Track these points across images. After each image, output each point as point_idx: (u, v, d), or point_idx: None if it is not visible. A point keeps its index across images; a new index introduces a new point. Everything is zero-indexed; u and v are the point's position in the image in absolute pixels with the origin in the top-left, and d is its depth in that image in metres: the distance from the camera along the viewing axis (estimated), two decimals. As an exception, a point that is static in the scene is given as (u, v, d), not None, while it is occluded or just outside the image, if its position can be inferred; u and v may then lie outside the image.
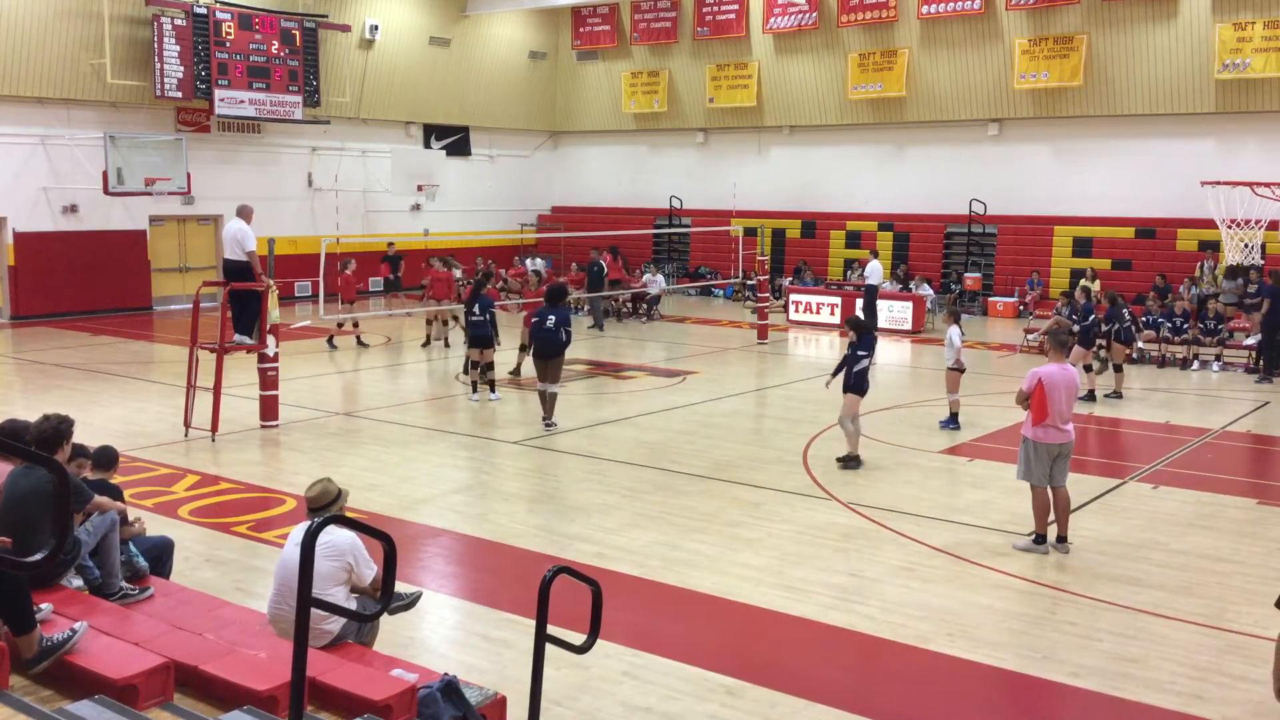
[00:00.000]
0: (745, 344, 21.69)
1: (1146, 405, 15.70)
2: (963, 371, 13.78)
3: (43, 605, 5.52)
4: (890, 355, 20.96)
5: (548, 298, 13.99)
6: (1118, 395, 16.02)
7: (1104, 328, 16.51)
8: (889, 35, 27.97)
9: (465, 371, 16.32)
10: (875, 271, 23.38)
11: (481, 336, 15.40)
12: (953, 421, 13.77)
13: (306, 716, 4.35)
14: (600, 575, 6.35)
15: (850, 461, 11.88)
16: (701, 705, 6.38)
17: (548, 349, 13.61)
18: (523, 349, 16.44)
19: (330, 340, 20.73)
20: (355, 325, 21.35)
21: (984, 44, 26.76)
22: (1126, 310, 16.84)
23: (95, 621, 5.54)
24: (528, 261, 28.56)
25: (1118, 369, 16.38)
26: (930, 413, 14.62)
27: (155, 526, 8.26)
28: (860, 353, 11.89)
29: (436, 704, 4.96)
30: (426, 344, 20.56)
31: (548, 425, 13.61)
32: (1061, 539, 9.16)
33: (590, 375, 17.92)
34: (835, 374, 12.09)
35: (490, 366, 15.59)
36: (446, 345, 20.42)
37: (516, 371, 17.07)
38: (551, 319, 13.57)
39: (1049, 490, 9.11)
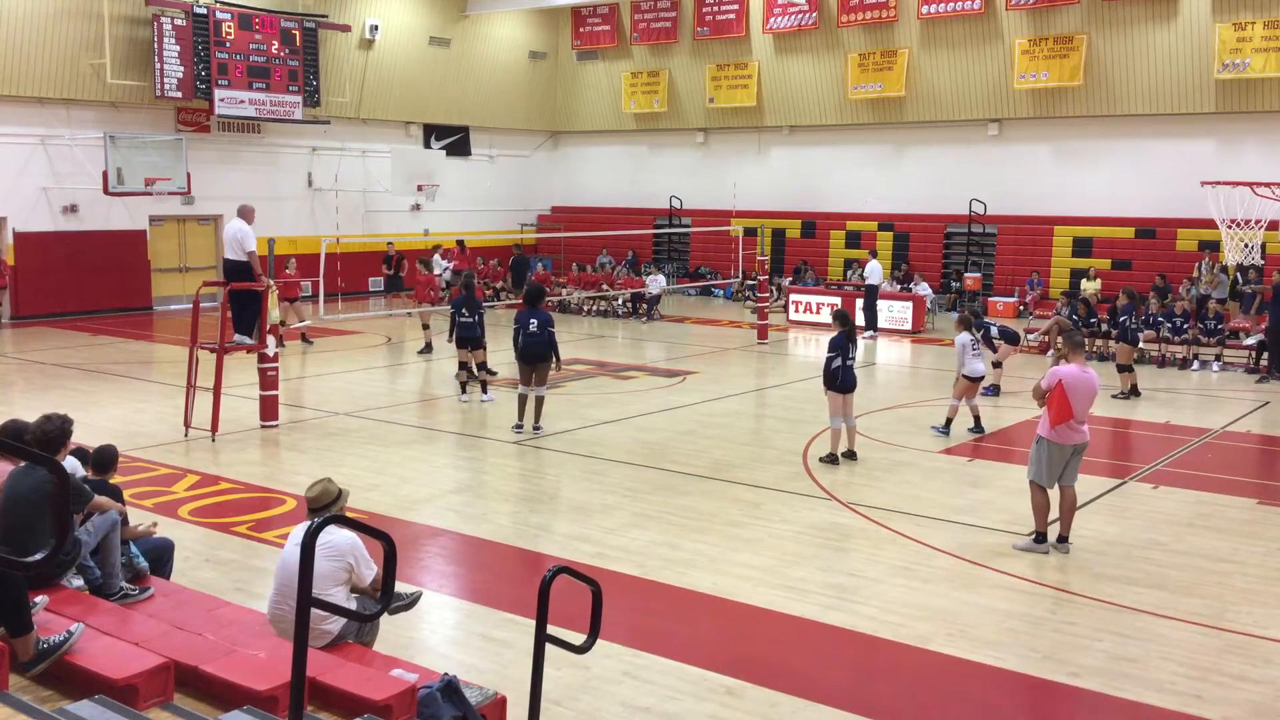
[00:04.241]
0: (745, 344, 21.69)
1: (1146, 405, 15.68)
2: (978, 380, 13.68)
3: (37, 599, 5.52)
4: (890, 355, 20.97)
5: (527, 299, 13.60)
6: (1125, 395, 16.01)
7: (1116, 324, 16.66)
8: (889, 35, 27.97)
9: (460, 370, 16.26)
10: (875, 271, 23.38)
11: (470, 338, 15.34)
12: (982, 426, 13.63)
13: (306, 716, 4.34)
14: (600, 575, 6.36)
15: (827, 459, 11.98)
16: (701, 705, 6.38)
17: (534, 352, 13.27)
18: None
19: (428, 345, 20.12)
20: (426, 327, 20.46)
21: (984, 44, 26.76)
22: (1140, 307, 16.91)
23: (95, 621, 5.54)
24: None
25: (1126, 369, 16.35)
26: (931, 413, 14.60)
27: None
28: (829, 353, 11.99)
29: (436, 704, 4.96)
30: (425, 350, 20.02)
31: (536, 429, 13.45)
32: (1063, 539, 9.15)
33: (590, 375, 17.92)
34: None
35: (481, 367, 15.54)
36: (428, 348, 19.93)
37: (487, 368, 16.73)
38: (534, 322, 13.27)
39: (1057, 489, 9.09)
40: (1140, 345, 18.60)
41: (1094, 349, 19.56)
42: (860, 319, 23.17)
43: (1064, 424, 8.90)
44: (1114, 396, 15.95)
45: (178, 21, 24.65)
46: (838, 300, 24.26)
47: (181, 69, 24.77)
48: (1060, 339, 9.50)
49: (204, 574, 8.39)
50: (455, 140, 32.24)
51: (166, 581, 6.89)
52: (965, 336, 13.70)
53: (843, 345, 11.96)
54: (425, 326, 20.39)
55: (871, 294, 23.23)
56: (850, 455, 12.11)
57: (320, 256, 17.71)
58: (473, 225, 31.61)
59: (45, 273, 24.18)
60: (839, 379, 11.94)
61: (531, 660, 5.00)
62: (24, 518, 5.61)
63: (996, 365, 16.17)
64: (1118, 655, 7.08)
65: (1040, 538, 9.12)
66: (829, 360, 11.98)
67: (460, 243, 26.13)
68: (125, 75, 24.35)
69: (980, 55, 26.86)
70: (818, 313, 24.61)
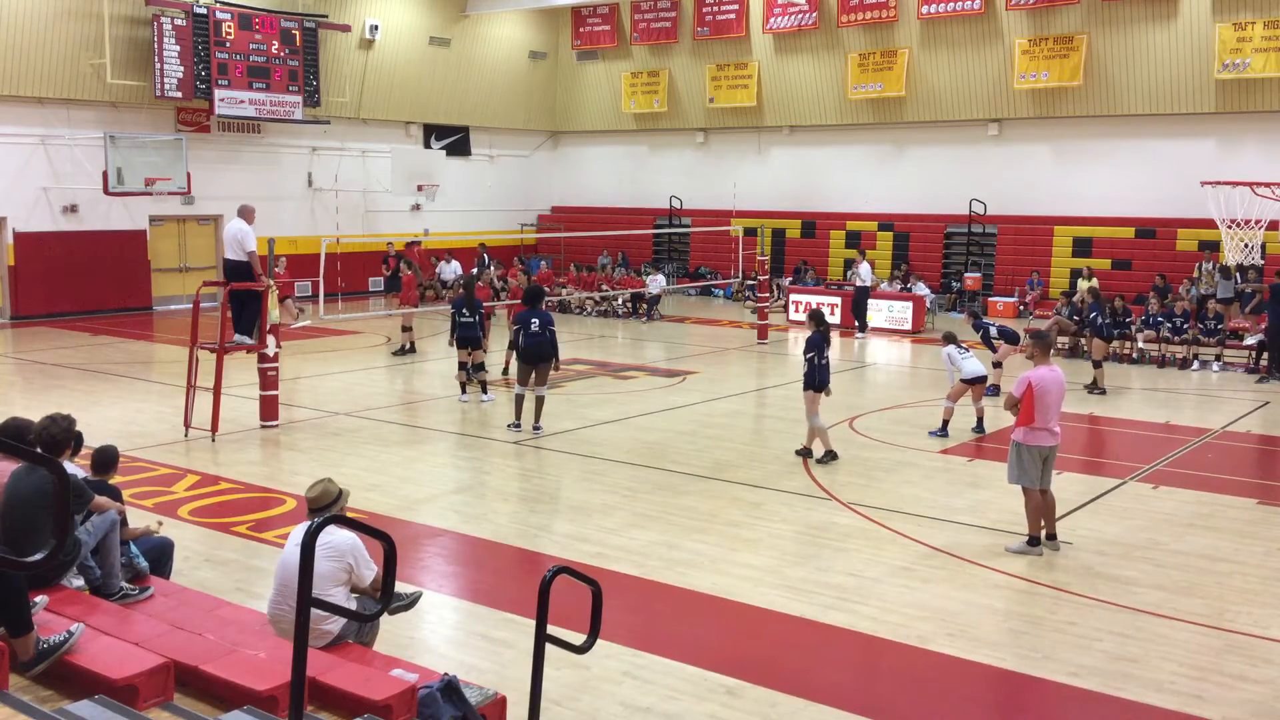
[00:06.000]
0: (745, 344, 21.69)
1: (1146, 405, 15.69)
2: (981, 381, 13.76)
3: (37, 599, 5.51)
4: (890, 355, 20.97)
5: (527, 299, 13.62)
6: (1100, 390, 16.20)
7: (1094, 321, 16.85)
8: (889, 35, 27.96)
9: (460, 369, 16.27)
10: (865, 272, 23.46)
11: (470, 338, 15.33)
12: (983, 426, 13.70)
13: (306, 716, 4.35)
14: (600, 575, 6.36)
15: (826, 458, 12.00)
16: (701, 705, 6.38)
17: (536, 352, 13.29)
18: (511, 347, 16.11)
19: (411, 345, 19.95)
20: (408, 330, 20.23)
21: (984, 44, 26.75)
22: (1107, 306, 17.14)
23: (95, 621, 5.54)
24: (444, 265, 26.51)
25: (1096, 364, 16.57)
26: (931, 413, 14.59)
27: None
28: (808, 354, 12.01)
29: (436, 704, 4.97)
30: (400, 351, 19.84)
31: (536, 429, 13.44)
32: (1051, 536, 9.15)
33: (590, 375, 17.91)
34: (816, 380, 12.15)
35: (480, 367, 15.54)
36: (412, 349, 19.82)
37: (506, 371, 16.98)
38: (535, 322, 13.29)
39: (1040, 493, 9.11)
40: (1140, 345, 18.64)
41: (1087, 347, 19.63)
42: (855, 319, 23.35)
43: (1035, 425, 8.92)
44: (1093, 391, 16.30)
45: (178, 21, 24.65)
46: (838, 300, 24.29)
47: (181, 69, 24.77)
48: (1032, 340, 9.50)
49: (204, 574, 8.39)
50: (455, 140, 32.24)
51: (166, 581, 6.89)
52: (949, 348, 13.92)
53: (819, 344, 12.01)
54: (406, 329, 20.24)
55: (861, 295, 23.28)
56: (807, 452, 12.20)
57: (320, 256, 17.71)
58: (473, 225, 31.62)
59: (45, 273, 24.18)
60: (819, 378, 11.98)
61: (531, 660, 5.00)
62: (25, 517, 5.61)
63: (996, 365, 16.20)
64: (1118, 655, 7.08)
65: (1034, 540, 9.12)
66: (810, 360, 11.98)
67: (417, 242, 26.10)
68: (125, 75, 24.35)
69: (980, 55, 26.85)
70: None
